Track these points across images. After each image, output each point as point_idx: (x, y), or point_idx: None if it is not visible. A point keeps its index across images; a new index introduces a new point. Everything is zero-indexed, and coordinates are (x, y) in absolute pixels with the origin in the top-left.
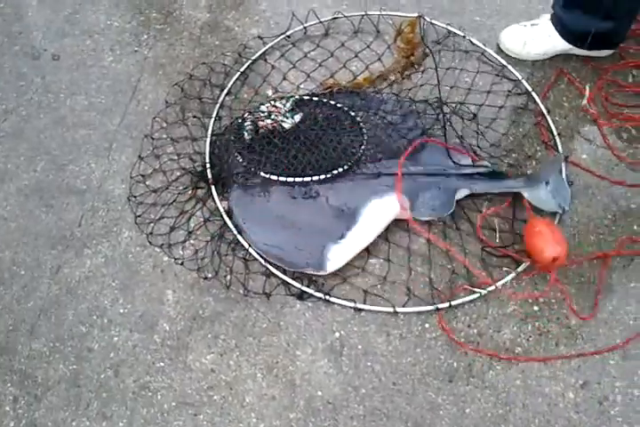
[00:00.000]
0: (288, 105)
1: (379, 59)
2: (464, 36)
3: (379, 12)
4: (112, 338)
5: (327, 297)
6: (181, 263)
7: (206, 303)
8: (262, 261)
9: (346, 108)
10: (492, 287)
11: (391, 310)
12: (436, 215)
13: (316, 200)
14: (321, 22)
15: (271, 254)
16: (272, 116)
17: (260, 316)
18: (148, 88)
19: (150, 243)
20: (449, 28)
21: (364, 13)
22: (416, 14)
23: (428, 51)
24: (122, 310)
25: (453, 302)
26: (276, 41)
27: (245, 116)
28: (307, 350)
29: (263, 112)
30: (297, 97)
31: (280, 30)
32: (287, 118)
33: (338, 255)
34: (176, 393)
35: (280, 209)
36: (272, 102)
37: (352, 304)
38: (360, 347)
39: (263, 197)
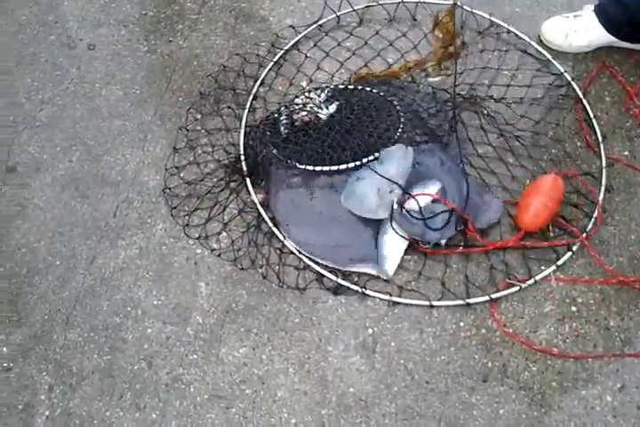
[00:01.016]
0: (323, 95)
1: (414, 47)
2: (508, 31)
3: (416, 0)
4: (146, 329)
5: (363, 290)
6: (218, 255)
7: (239, 297)
8: (297, 254)
9: (381, 93)
10: (532, 281)
11: (427, 303)
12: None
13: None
14: (355, 11)
15: (314, 250)
16: (307, 108)
17: (292, 310)
18: (183, 79)
19: (187, 235)
20: (491, 18)
21: (400, 1)
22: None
23: (464, 41)
24: (155, 302)
25: (493, 296)
26: (308, 30)
27: (281, 109)
28: (339, 346)
29: (298, 104)
30: (331, 87)
31: (314, 20)
32: (322, 109)
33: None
34: (208, 386)
35: (321, 203)
36: (307, 94)
37: (387, 297)
38: (393, 344)
39: (303, 190)
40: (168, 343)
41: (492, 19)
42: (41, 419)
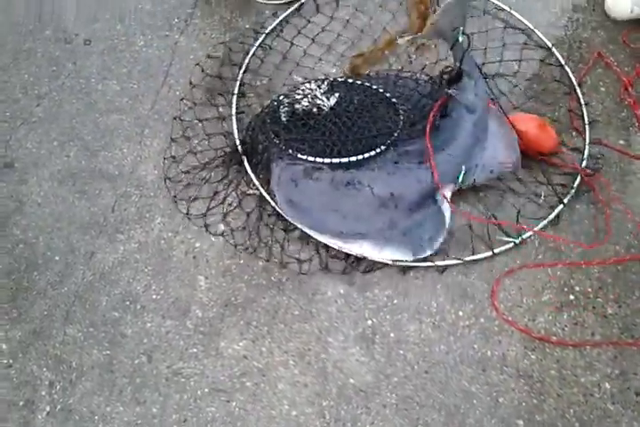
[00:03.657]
0: (323, 86)
1: (393, 16)
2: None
3: None
4: (145, 324)
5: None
6: (222, 236)
7: (238, 290)
8: (302, 229)
9: (381, 90)
10: (529, 234)
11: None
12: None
13: (358, 188)
14: None
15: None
16: (308, 98)
17: (291, 303)
18: (180, 73)
19: (189, 218)
20: None
21: None
22: None
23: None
24: (155, 296)
25: (496, 250)
26: (286, 13)
27: (281, 98)
28: (339, 338)
29: (299, 94)
30: (331, 79)
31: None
32: (323, 100)
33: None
34: (208, 380)
35: (323, 193)
36: (307, 85)
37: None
38: (392, 335)
39: (305, 179)
40: (167, 337)
41: None
42: (42, 415)
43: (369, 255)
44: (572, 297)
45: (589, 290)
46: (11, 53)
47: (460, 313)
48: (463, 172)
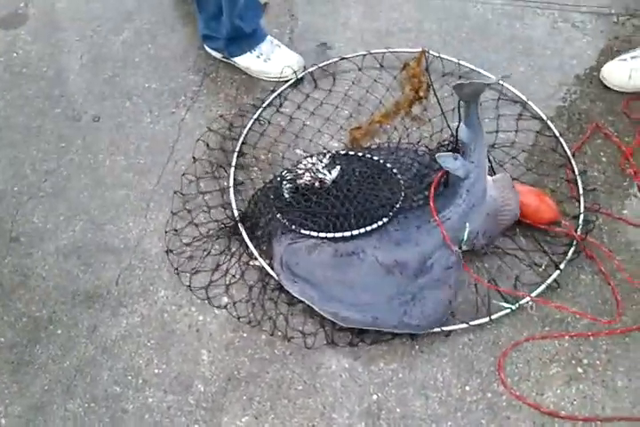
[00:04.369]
0: (325, 160)
1: (387, 90)
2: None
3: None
4: (147, 399)
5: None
6: (226, 309)
7: (241, 364)
8: (306, 302)
9: (381, 161)
10: (526, 299)
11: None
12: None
13: (362, 258)
14: (320, 67)
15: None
16: (310, 173)
17: (295, 377)
18: (185, 148)
19: (191, 290)
20: (460, 62)
21: (366, 53)
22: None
23: (430, 82)
24: (157, 371)
25: (493, 316)
26: (282, 88)
27: (284, 173)
28: (343, 414)
29: (301, 169)
30: (333, 152)
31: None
32: (325, 174)
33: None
34: None
35: (328, 266)
36: (308, 159)
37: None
38: (398, 410)
39: (308, 255)
40: (169, 413)
41: (461, 62)
42: None
43: (375, 327)
44: (580, 370)
45: (598, 362)
46: (21, 130)
47: (467, 388)
48: (468, 229)
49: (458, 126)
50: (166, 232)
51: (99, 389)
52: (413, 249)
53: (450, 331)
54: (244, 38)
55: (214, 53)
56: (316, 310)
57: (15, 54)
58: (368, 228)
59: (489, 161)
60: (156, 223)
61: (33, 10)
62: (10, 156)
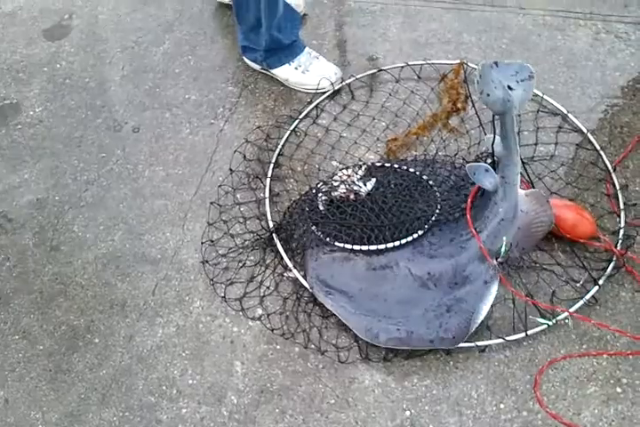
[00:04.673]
0: (360, 172)
1: (425, 101)
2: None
3: (421, 62)
4: (180, 410)
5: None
6: (260, 320)
7: (274, 376)
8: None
9: (417, 173)
10: (564, 315)
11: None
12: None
13: (395, 271)
14: (358, 79)
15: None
16: (345, 185)
17: (328, 391)
18: (223, 159)
19: (226, 301)
20: None
21: (404, 64)
22: (458, 61)
23: (468, 94)
24: (191, 381)
25: (530, 332)
26: (320, 99)
27: (319, 186)
28: None
29: (336, 181)
30: (369, 164)
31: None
32: (360, 186)
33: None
34: None
35: (362, 279)
36: (344, 171)
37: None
38: None
39: (342, 268)
40: (202, 424)
41: None
42: None
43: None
44: (619, 390)
45: (638, 382)
46: (63, 140)
47: (502, 405)
48: (505, 242)
49: (493, 139)
50: (202, 243)
51: (134, 398)
52: (447, 262)
53: (485, 347)
54: (283, 50)
55: (253, 65)
56: (350, 327)
57: (59, 65)
58: (403, 240)
59: (527, 174)
60: (193, 234)
61: (77, 21)
62: (52, 165)
